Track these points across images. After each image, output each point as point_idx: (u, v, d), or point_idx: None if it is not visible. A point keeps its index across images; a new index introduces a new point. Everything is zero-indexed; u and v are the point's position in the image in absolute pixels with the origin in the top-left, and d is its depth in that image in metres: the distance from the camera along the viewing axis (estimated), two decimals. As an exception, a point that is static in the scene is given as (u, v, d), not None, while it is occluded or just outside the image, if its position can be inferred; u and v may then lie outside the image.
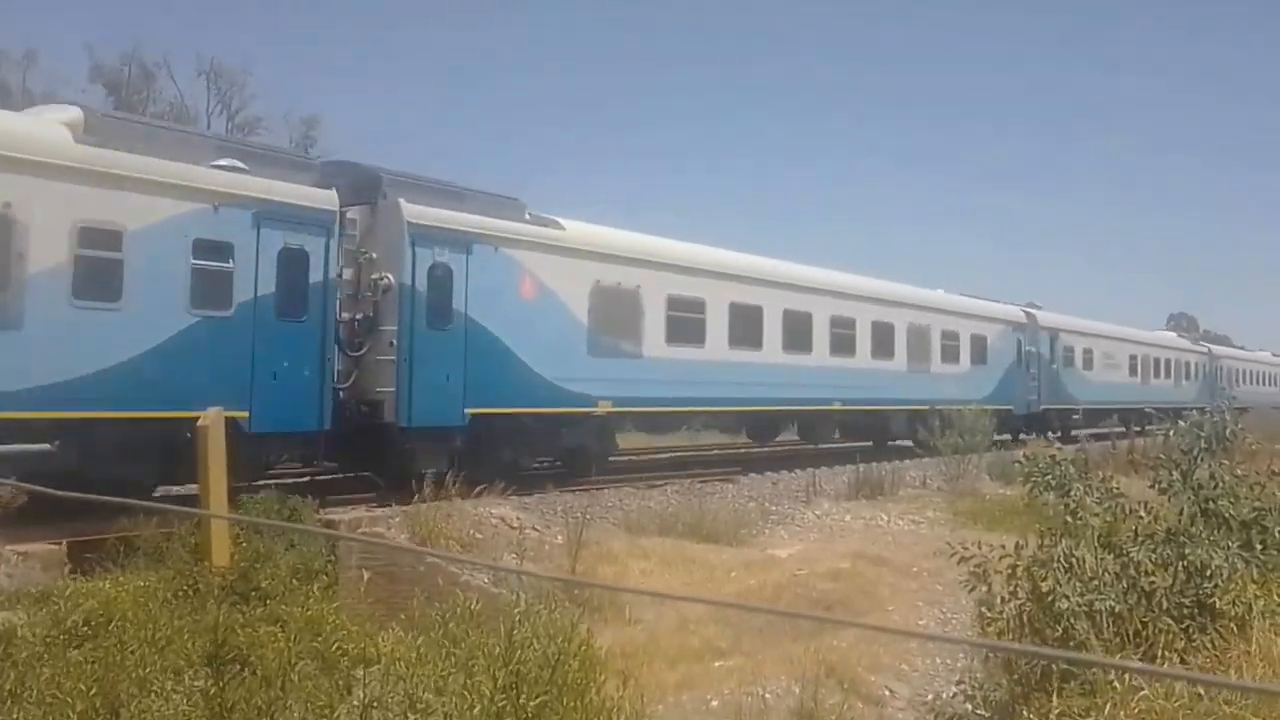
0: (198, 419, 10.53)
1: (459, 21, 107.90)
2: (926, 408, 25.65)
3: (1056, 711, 6.15)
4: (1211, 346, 47.93)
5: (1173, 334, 45.78)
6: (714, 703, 8.88)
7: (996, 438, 26.75)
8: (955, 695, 7.87)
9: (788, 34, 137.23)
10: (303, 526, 10.71)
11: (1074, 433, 36.31)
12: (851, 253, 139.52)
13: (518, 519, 14.13)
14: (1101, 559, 7.18)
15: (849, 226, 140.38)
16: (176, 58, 45.03)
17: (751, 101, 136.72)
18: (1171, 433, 8.67)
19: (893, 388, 26.94)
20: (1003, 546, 7.59)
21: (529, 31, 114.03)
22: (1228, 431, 8.15)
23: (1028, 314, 35.58)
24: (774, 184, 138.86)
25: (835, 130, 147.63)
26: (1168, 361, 46.82)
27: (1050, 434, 34.83)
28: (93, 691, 6.00)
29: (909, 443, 26.12)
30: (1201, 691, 5.81)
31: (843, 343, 25.57)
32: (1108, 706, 5.94)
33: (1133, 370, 42.81)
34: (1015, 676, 7.07)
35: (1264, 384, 59.45)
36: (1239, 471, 8.03)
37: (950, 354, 30.27)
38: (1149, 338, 46.83)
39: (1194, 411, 9.03)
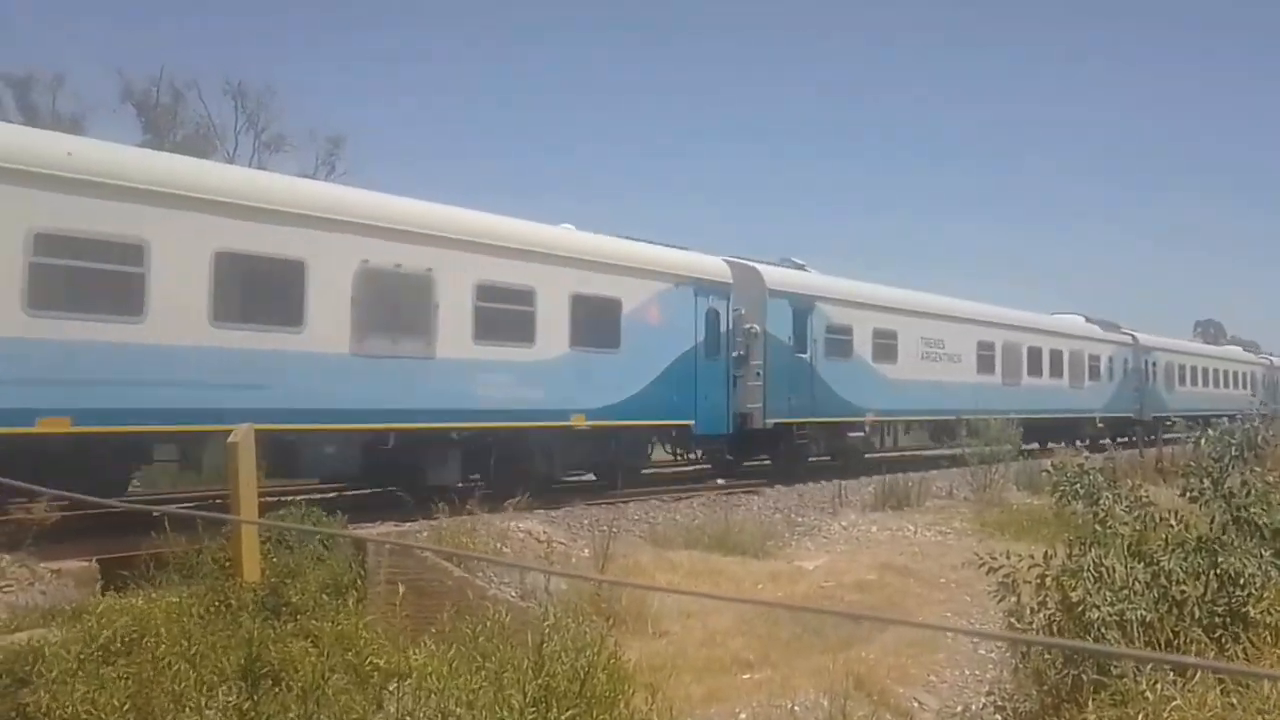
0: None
1: (484, 42, 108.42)
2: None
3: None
4: (1138, 335, 42.55)
5: (1079, 319, 39.10)
6: (742, 715, 8.86)
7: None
8: (985, 706, 7.85)
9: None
10: (336, 531, 10.75)
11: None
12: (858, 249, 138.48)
13: (544, 533, 14.16)
14: (1132, 568, 7.15)
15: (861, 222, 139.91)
16: (204, 78, 45.60)
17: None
18: (1202, 441, 8.63)
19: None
20: (1031, 556, 7.57)
21: (554, 51, 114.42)
22: (1259, 439, 8.10)
23: None
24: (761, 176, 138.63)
25: (851, 121, 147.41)
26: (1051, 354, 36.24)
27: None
28: (126, 707, 6.06)
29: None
30: (1235, 701, 5.77)
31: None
32: (1139, 717, 5.90)
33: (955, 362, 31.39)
34: (1045, 687, 7.04)
35: (1218, 385, 50.75)
36: (1270, 479, 7.96)
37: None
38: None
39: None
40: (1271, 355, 62.99)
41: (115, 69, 58.46)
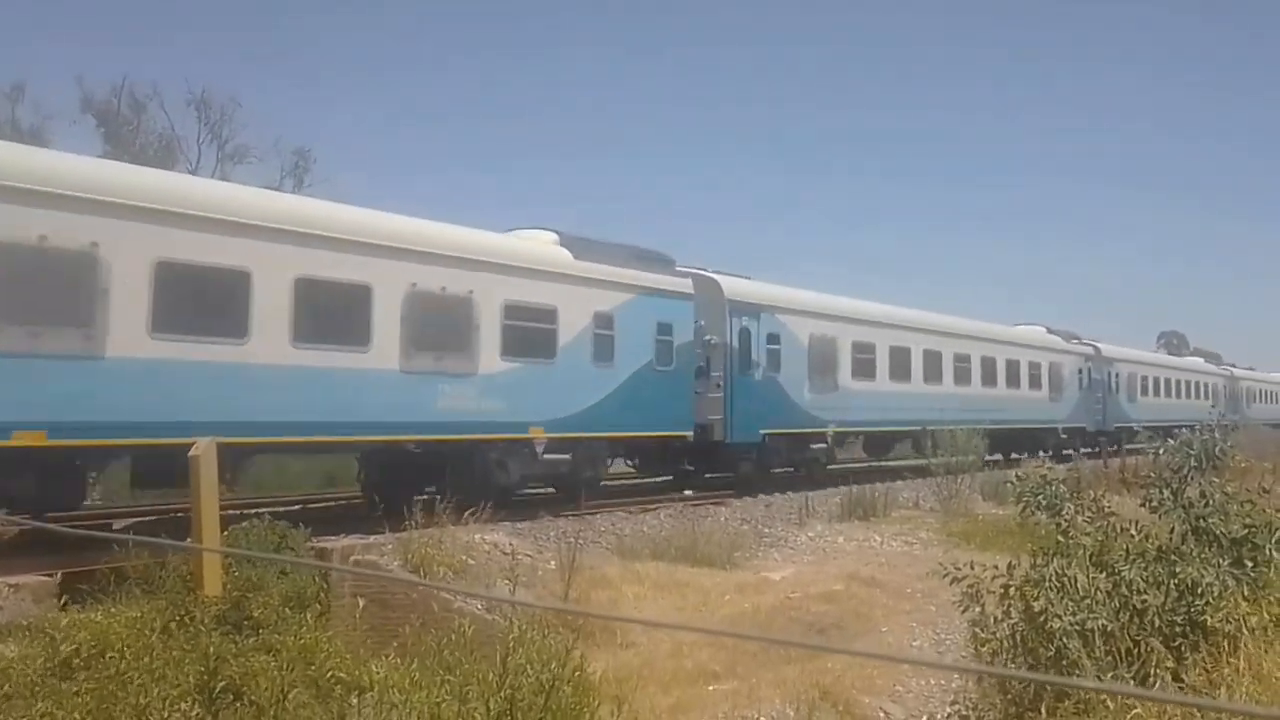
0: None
1: (456, 51, 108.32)
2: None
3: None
4: (1100, 346, 42.72)
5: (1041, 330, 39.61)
6: (709, 727, 8.86)
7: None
8: (950, 716, 7.88)
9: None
10: (316, 562, 10.68)
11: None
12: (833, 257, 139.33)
13: (510, 544, 14.09)
14: (1093, 578, 7.21)
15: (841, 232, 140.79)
16: (166, 88, 45.15)
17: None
18: (1162, 451, 8.73)
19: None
20: (995, 567, 7.62)
21: (530, 58, 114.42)
22: (1217, 450, 8.20)
23: None
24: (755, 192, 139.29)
25: (813, 125, 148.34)
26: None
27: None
28: (86, 723, 5.99)
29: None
30: (1196, 712, 5.84)
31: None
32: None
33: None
34: (1009, 696, 7.08)
35: (1180, 395, 51.02)
36: (1229, 489, 8.06)
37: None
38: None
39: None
40: (1232, 366, 64.29)
41: (75, 78, 57.91)
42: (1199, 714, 5.73)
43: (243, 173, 43.16)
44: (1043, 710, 6.61)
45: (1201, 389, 54.45)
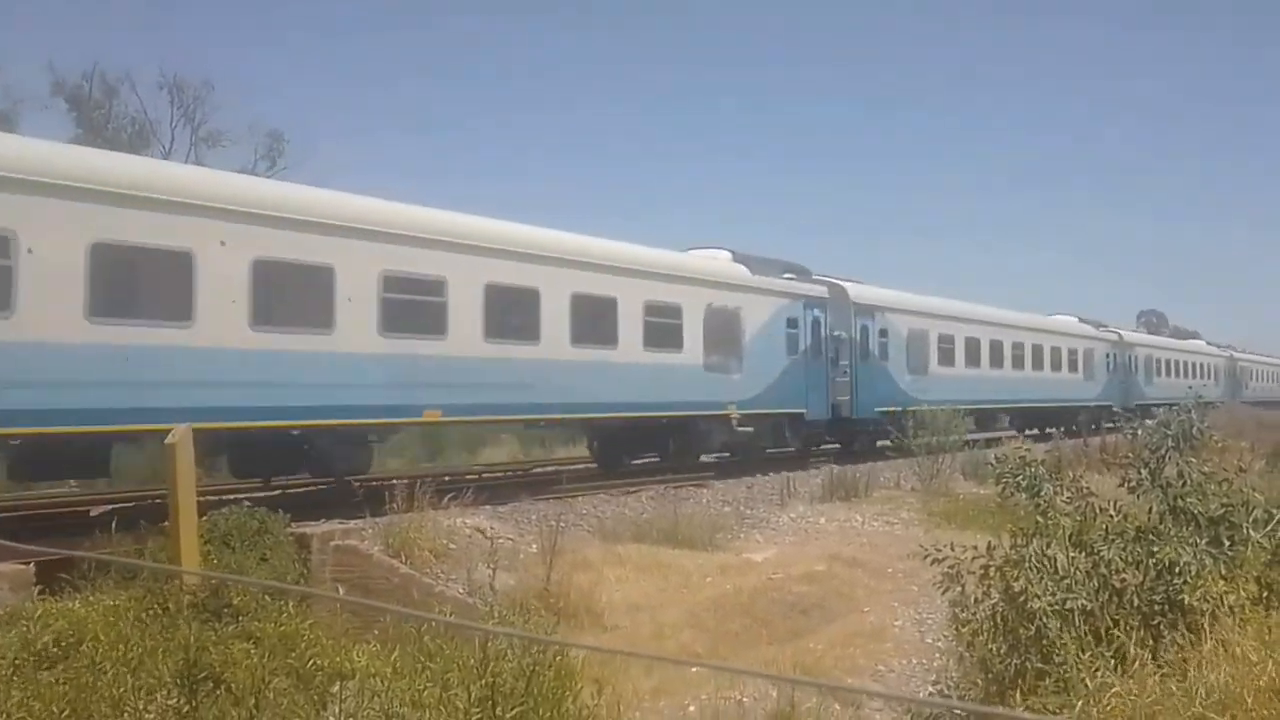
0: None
1: (430, 33, 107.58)
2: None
3: (1030, 708, 6.18)
4: (1122, 332, 49.12)
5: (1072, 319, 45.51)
6: (691, 708, 8.89)
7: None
8: (932, 694, 7.92)
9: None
10: (304, 589, 10.62)
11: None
12: (838, 252, 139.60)
13: (492, 528, 14.06)
14: (1073, 558, 7.24)
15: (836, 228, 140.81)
16: (138, 72, 44.63)
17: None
18: (1140, 431, 8.76)
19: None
20: (975, 547, 7.64)
21: (508, 48, 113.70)
22: (1195, 430, 8.23)
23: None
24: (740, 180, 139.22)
25: (811, 122, 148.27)
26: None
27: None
28: (65, 713, 5.94)
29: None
30: (1174, 687, 5.87)
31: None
32: (1080, 704, 5.99)
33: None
34: (990, 675, 7.12)
35: (1189, 376, 54.55)
36: (1206, 469, 8.10)
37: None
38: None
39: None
40: (1233, 348, 69.05)
41: (46, 63, 57.16)
42: (1177, 693, 5.76)
43: (216, 157, 42.84)
44: (1024, 689, 6.64)
45: (1207, 369, 59.38)
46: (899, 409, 27.67)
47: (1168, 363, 53.34)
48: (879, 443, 27.39)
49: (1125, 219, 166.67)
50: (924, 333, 31.65)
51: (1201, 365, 58.73)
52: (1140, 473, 8.11)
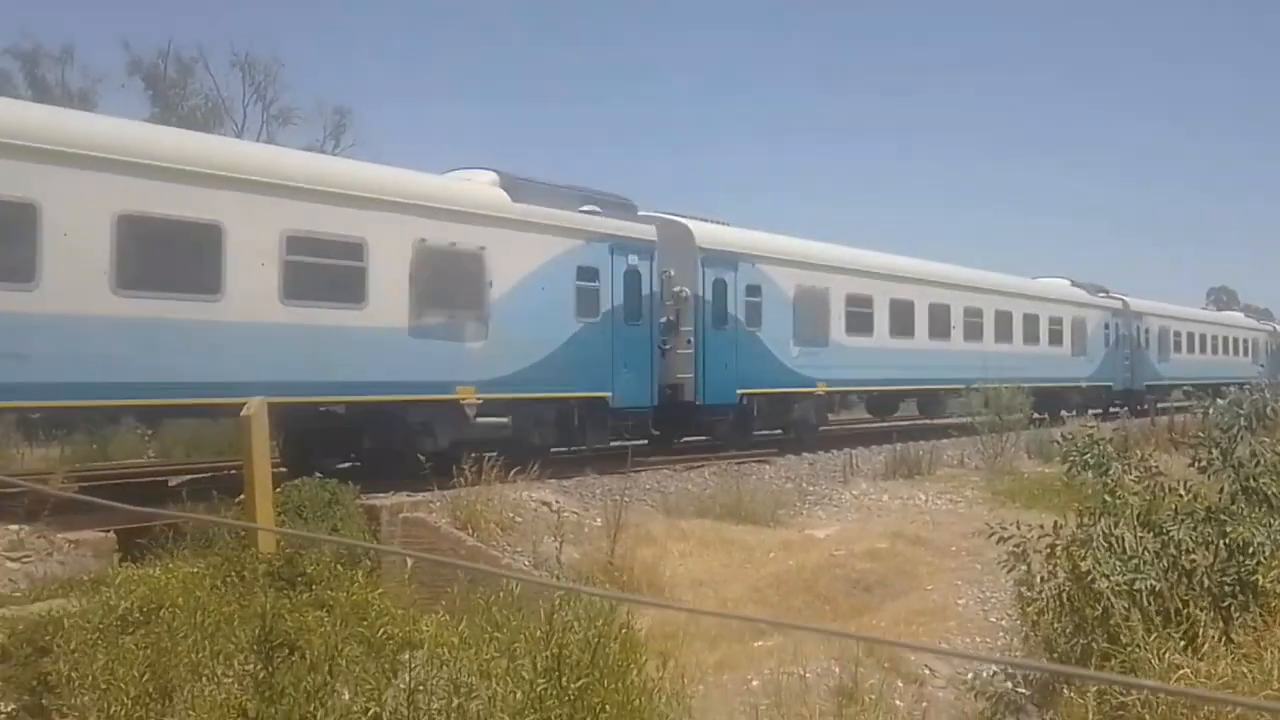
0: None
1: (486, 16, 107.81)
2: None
3: (1095, 690, 6.16)
4: (1128, 299, 39.89)
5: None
6: (754, 682, 8.93)
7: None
8: (996, 674, 7.90)
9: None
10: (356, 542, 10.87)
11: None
12: (878, 230, 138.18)
13: (557, 502, 14.23)
14: (1141, 538, 7.18)
15: (872, 202, 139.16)
16: (211, 50, 45.40)
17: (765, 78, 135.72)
18: (1211, 410, 8.62)
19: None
20: (1041, 526, 7.60)
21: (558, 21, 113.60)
22: (1268, 409, 8.09)
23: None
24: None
25: (855, 104, 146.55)
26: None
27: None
28: (145, 677, 6.14)
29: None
30: (1246, 670, 5.82)
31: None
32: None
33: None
34: (1055, 655, 7.09)
35: (1217, 352, 48.02)
36: (1280, 449, 7.97)
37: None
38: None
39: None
40: (1276, 323, 60.82)
41: (122, 41, 58.25)
42: (1249, 677, 5.71)
43: (288, 134, 43.47)
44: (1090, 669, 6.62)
45: (1242, 345, 51.68)
46: (783, 390, 22.79)
47: (1190, 336, 45.21)
48: (756, 433, 22.61)
49: (1194, 193, 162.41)
50: (823, 291, 24.11)
51: (1237, 340, 51.04)
52: (1211, 452, 7.99)
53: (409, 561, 7.57)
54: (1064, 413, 28.54)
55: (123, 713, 5.79)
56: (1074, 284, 37.95)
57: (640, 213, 20.47)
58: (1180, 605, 6.75)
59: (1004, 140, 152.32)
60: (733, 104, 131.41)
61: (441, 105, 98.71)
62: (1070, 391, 34.07)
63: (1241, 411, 8.02)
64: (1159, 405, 32.82)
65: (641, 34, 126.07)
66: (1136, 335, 39.84)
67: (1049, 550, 7.40)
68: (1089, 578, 6.91)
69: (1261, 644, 6.22)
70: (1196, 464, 8.11)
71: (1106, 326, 37.94)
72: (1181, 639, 6.44)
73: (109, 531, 10.83)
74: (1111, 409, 34.55)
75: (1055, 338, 34.47)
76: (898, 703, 8.68)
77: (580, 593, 6.89)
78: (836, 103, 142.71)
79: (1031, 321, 33.09)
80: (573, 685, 5.66)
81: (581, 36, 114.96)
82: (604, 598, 6.95)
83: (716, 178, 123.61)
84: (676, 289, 20.50)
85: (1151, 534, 7.27)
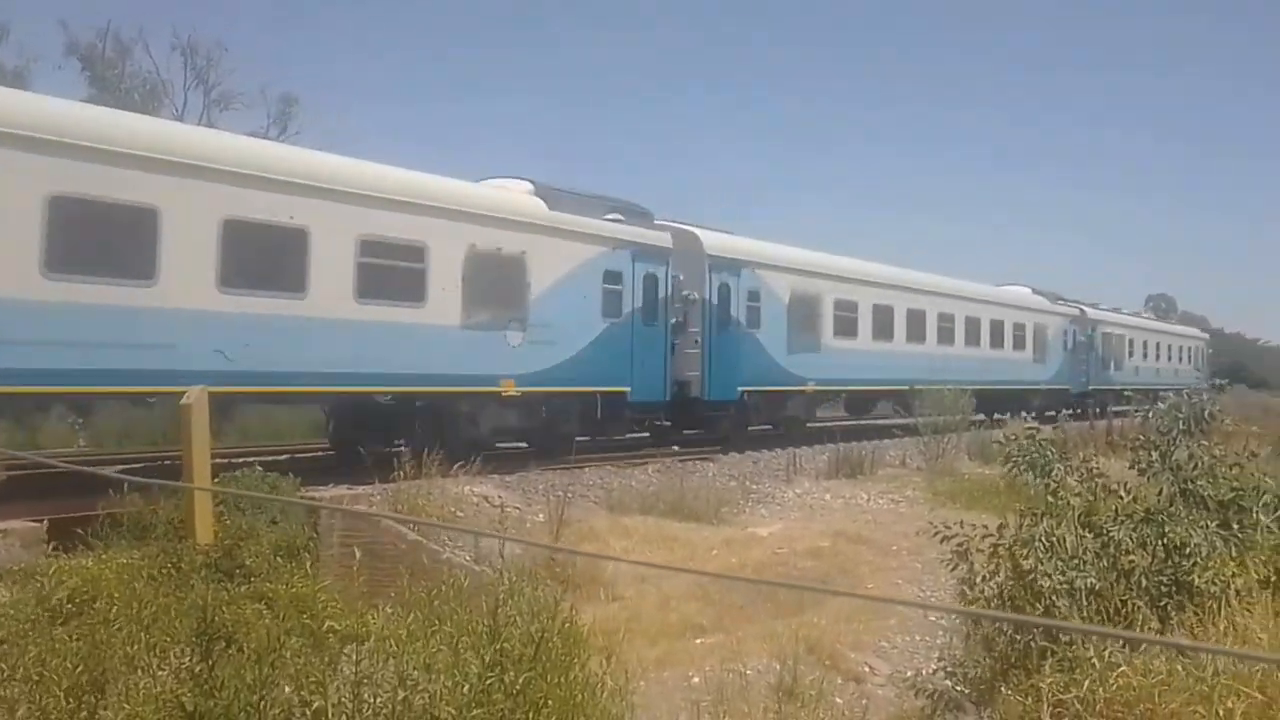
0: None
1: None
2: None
3: (1036, 687, 6.21)
4: (1085, 308, 42.39)
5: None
6: (695, 679, 8.93)
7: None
8: (936, 672, 7.96)
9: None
10: (293, 499, 10.68)
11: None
12: (822, 231, 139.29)
13: (499, 497, 14.16)
14: (1082, 538, 7.26)
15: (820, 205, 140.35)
16: (151, 32, 44.50)
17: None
18: (1152, 414, 8.78)
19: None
20: (984, 526, 7.66)
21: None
22: (1206, 413, 8.24)
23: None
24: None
25: (813, 110, 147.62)
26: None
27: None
28: (79, 669, 5.98)
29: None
30: (1181, 668, 5.90)
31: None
32: (1086, 683, 6.01)
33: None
34: (995, 653, 7.15)
35: (1164, 359, 50.84)
36: (1217, 452, 8.11)
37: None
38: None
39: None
40: (1222, 331, 67.61)
41: (59, 21, 56.87)
42: (1184, 674, 5.79)
43: (229, 119, 42.71)
44: (1029, 667, 6.67)
45: (1186, 354, 54.54)
46: (777, 388, 24.79)
47: (1141, 344, 47.45)
48: (752, 427, 24.31)
49: (1134, 202, 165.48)
50: (814, 297, 26.20)
51: (1181, 349, 53.97)
52: (1151, 455, 8.12)
53: (357, 553, 7.45)
54: (1003, 416, 28.98)
55: (54, 705, 5.63)
56: (1035, 291, 39.74)
57: (658, 220, 22.35)
58: (1119, 604, 6.84)
59: (960, 147, 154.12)
60: (691, 103, 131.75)
61: (394, 97, 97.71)
62: (1031, 394, 35.52)
63: (1180, 415, 8.17)
64: (1113, 409, 34.47)
65: (597, 24, 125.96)
66: (1090, 341, 41.58)
67: (992, 550, 7.47)
68: (1031, 576, 6.98)
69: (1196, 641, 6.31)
70: (1136, 466, 8.24)
71: (1065, 333, 39.78)
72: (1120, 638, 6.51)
73: (40, 521, 10.56)
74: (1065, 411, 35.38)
75: (1019, 343, 36.59)
76: (837, 700, 8.72)
77: (574, 554, 6.83)
78: (803, 109, 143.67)
79: (998, 327, 35.18)
80: (518, 680, 5.61)
81: (541, 28, 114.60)
82: (594, 558, 6.91)
83: (676, 173, 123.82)
84: (685, 293, 22.16)
85: (1092, 534, 7.36)
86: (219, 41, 45.01)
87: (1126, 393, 34.37)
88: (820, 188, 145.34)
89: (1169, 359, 51.24)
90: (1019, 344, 36.51)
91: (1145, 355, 47.75)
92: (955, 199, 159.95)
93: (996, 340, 34.99)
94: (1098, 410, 35.86)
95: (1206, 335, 62.70)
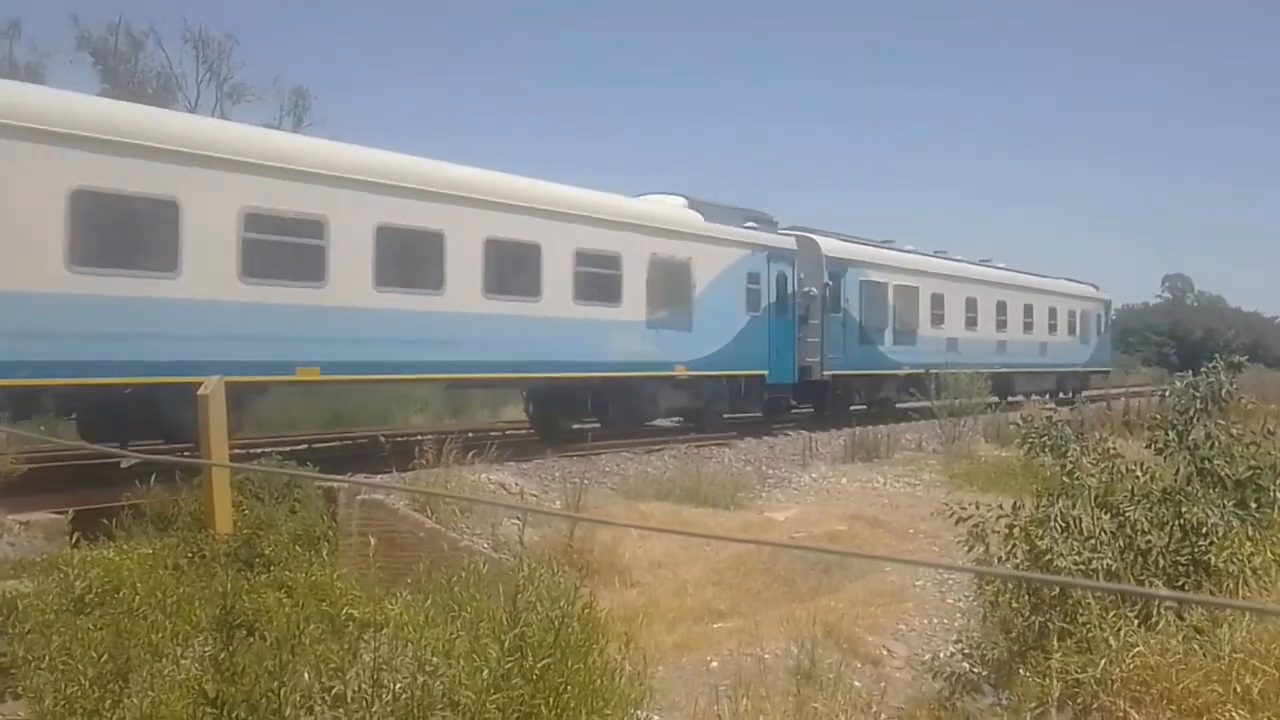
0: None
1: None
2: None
3: (1052, 668, 6.23)
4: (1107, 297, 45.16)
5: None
6: (713, 664, 8.97)
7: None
8: (953, 654, 7.98)
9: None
10: (313, 475, 10.75)
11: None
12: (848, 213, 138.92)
13: (516, 484, 14.21)
14: (1098, 518, 7.25)
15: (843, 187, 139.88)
16: (163, 25, 44.58)
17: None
18: (1168, 393, 8.74)
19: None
20: (1000, 507, 7.67)
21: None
22: (1224, 392, 8.20)
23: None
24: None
25: (827, 88, 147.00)
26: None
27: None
28: (103, 658, 6.05)
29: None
30: (1198, 646, 5.90)
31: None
32: (1103, 663, 6.02)
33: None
34: (1012, 635, 7.16)
35: (1024, 330, 37.13)
36: (1234, 431, 8.08)
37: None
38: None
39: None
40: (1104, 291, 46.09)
41: (71, 15, 57.03)
42: (1200, 653, 5.79)
43: (241, 112, 42.82)
44: (1045, 649, 6.68)
45: (1069, 322, 51.34)
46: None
47: (966, 303, 33.38)
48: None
49: (1151, 181, 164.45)
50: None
51: (1062, 313, 40.22)
52: (1168, 434, 8.09)
53: (372, 541, 7.51)
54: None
55: (80, 693, 5.71)
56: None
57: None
58: (1136, 584, 6.83)
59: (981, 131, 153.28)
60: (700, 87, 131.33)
61: (406, 88, 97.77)
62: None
63: (1198, 394, 8.12)
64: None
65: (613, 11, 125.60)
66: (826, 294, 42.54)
67: (1007, 531, 7.47)
68: (1047, 557, 6.98)
69: (1214, 621, 6.31)
70: (1153, 446, 8.21)
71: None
72: (1136, 618, 6.51)
73: (63, 513, 10.66)
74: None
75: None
76: (855, 683, 8.73)
77: (599, 523, 6.87)
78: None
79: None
80: (537, 665, 5.65)
81: (550, 13, 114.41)
82: (619, 527, 6.95)
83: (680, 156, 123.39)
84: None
85: (1108, 515, 7.34)
86: (230, 34, 45.16)
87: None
88: (835, 170, 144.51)
89: (1028, 328, 37.34)
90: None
91: (971, 321, 33.64)
92: (974, 178, 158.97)
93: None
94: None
95: (1108, 298, 46.33)
